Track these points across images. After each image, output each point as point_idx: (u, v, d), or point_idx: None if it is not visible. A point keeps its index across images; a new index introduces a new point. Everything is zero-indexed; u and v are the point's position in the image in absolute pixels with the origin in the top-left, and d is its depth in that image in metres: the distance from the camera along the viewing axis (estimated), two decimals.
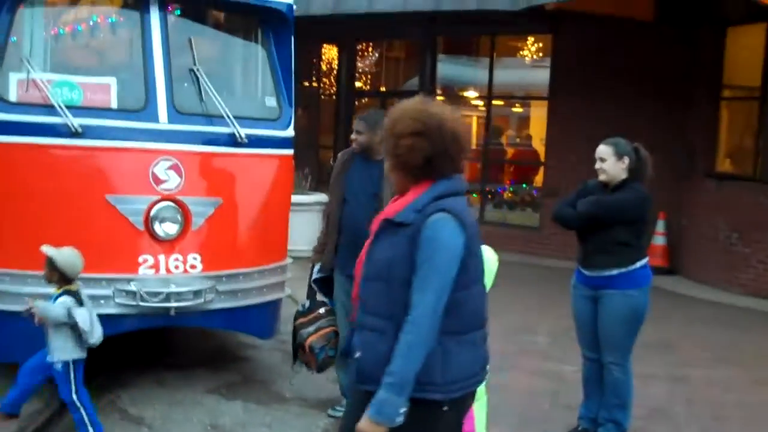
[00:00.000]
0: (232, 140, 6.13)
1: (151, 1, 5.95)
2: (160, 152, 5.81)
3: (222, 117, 6.09)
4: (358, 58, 17.34)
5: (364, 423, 3.04)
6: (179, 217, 5.85)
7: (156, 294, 5.64)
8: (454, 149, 3.16)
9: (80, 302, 5.03)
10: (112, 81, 5.96)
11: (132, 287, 5.62)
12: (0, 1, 5.65)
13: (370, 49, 17.56)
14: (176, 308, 5.70)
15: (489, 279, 4.09)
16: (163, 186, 5.80)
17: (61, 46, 6.51)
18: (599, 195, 5.57)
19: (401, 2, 12.89)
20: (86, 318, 4.97)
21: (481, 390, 4.06)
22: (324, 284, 5.84)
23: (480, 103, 15.42)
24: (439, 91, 15.89)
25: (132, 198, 5.75)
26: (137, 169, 5.78)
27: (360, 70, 17.46)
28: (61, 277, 5.03)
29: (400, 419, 3.01)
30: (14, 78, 5.69)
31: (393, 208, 3.21)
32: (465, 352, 3.17)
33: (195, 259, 5.88)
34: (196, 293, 5.78)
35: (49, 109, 5.60)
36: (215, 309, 5.96)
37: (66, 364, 5.03)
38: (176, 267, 5.82)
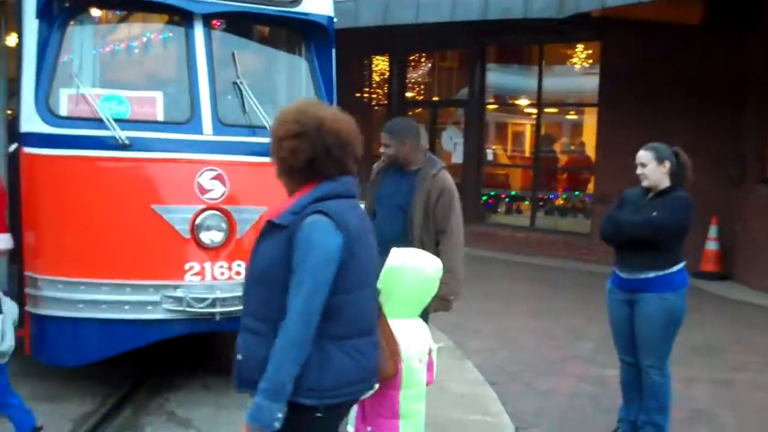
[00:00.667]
0: None
1: (195, 17, 6.12)
2: (205, 163, 5.96)
3: (264, 128, 6.21)
4: (409, 68, 17.48)
5: (243, 429, 2.99)
6: (224, 226, 5.97)
7: (202, 300, 5.78)
8: (337, 150, 3.11)
9: None
10: (158, 95, 6.17)
11: (179, 293, 5.77)
12: (51, 19, 5.89)
13: (423, 59, 17.68)
14: (221, 313, 5.81)
15: (432, 288, 3.93)
16: (208, 195, 5.95)
17: (109, 62, 6.75)
18: (641, 202, 5.53)
19: (448, 12, 12.95)
20: None
21: (415, 410, 3.84)
22: None
23: (533, 110, 15.42)
24: (491, 100, 15.96)
25: (178, 207, 5.90)
26: (183, 180, 5.93)
27: (411, 80, 17.58)
28: None
29: (277, 424, 2.97)
30: (64, 93, 5.91)
31: (277, 209, 3.16)
32: (345, 359, 3.08)
33: (240, 266, 5.99)
34: (241, 299, 5.91)
35: (97, 122, 5.79)
36: None
37: None
38: (221, 274, 5.95)
